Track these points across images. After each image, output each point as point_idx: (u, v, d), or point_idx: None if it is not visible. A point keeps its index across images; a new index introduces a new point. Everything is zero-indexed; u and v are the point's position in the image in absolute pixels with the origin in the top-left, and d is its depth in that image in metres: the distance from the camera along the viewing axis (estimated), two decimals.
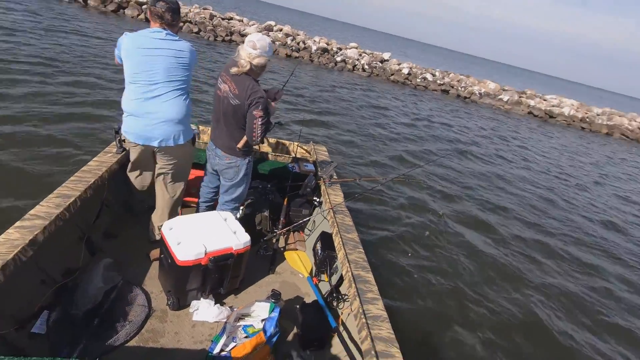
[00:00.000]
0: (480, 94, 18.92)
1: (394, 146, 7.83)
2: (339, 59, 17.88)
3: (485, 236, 4.95)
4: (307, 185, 2.82)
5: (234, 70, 2.12)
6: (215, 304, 2.23)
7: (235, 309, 2.14)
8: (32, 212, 1.87)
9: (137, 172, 2.52)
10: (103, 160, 2.48)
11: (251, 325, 2.10)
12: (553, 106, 19.49)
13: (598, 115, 19.98)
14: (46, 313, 1.90)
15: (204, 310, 2.18)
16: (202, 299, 2.22)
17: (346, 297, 2.24)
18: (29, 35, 8.62)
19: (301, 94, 10.32)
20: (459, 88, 19.00)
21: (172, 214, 2.57)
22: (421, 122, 10.78)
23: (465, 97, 18.72)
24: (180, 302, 2.16)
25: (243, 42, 2.19)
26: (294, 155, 3.47)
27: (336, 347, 2.09)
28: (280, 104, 8.47)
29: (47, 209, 1.90)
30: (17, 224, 1.77)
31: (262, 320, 2.09)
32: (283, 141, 3.65)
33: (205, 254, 2.04)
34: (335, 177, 3.14)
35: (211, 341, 1.98)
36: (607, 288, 4.46)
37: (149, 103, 2.12)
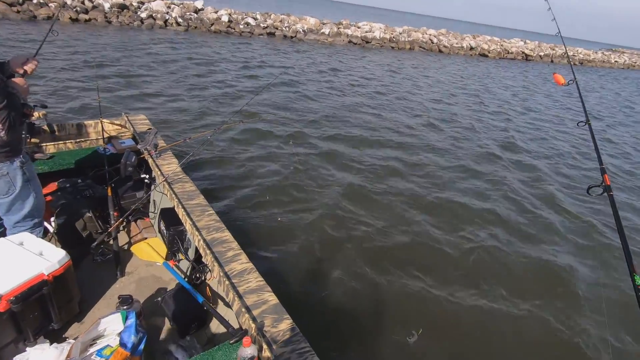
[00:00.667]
0: (303, 31, 19.01)
1: (229, 100, 7.45)
2: (143, 14, 15.15)
3: (335, 147, 5.36)
4: (127, 165, 2.35)
5: None
6: (51, 344, 1.75)
7: (77, 340, 1.72)
8: None
9: None
10: None
11: (107, 346, 1.73)
12: (366, 32, 21.67)
13: (400, 33, 23.24)
14: None
15: (38, 359, 1.69)
16: (28, 348, 1.71)
17: (207, 266, 2.06)
18: None
19: (104, 63, 8.51)
20: (283, 28, 18.94)
21: None
22: (252, 71, 10.41)
23: (292, 37, 18.54)
24: None
25: None
26: (105, 135, 2.84)
27: (214, 321, 1.95)
28: (78, 80, 6.87)
29: None
30: None
31: (119, 334, 1.75)
32: (86, 122, 2.93)
33: (0, 297, 1.52)
34: (163, 144, 2.73)
35: None
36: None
37: None
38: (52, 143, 2.64)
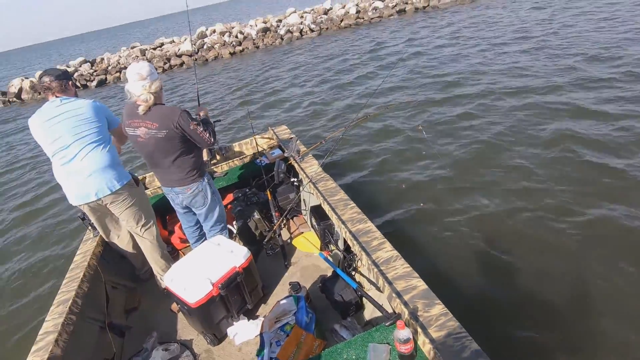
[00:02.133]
0: None
1: (358, 93, 7.59)
2: (282, 31, 16.54)
3: (470, 131, 4.78)
4: (279, 172, 2.76)
5: (141, 109, 2.02)
6: (249, 320, 2.26)
7: (264, 317, 2.16)
8: (41, 331, 1.88)
9: (111, 235, 2.54)
10: (85, 250, 2.48)
11: (287, 323, 2.12)
12: None
13: None
14: None
15: (242, 331, 2.21)
16: (234, 323, 2.25)
17: (356, 255, 2.24)
18: None
19: (254, 83, 9.99)
20: (414, 1, 17.12)
21: (163, 255, 2.57)
22: (378, 62, 9.54)
23: (425, 7, 16.82)
24: (217, 336, 2.19)
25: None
26: (259, 149, 3.39)
27: (368, 305, 2.11)
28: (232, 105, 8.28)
29: (53, 322, 1.91)
30: (33, 348, 1.78)
31: (294, 314, 2.11)
32: (243, 141, 3.57)
33: (213, 284, 2.04)
34: (304, 148, 3.07)
35: (256, 356, 2.01)
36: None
37: (70, 165, 2.18)
38: (224, 163, 3.32)
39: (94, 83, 15.37)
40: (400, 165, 4.41)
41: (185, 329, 2.35)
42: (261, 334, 2.03)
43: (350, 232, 2.02)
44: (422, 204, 3.60)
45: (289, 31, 16.58)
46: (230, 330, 2.22)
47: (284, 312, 2.13)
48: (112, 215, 2.44)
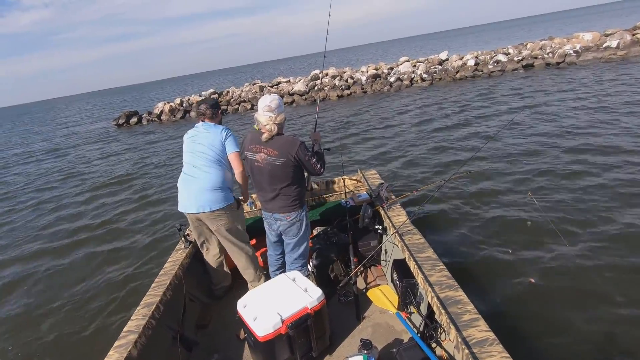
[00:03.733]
0: (575, 52, 15.19)
1: (460, 149, 7.18)
2: (392, 79, 16.64)
3: (595, 214, 3.94)
4: (364, 217, 2.67)
5: (264, 137, 2.23)
6: None
7: None
8: (125, 329, 2.03)
9: (203, 247, 2.77)
10: (175, 259, 2.68)
11: None
12: None
13: None
14: None
15: None
16: None
17: (441, 326, 1.96)
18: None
19: (354, 126, 10.24)
20: (545, 55, 15.71)
21: (256, 269, 2.77)
22: (489, 118, 8.72)
23: (558, 63, 15.13)
24: None
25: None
26: (346, 190, 3.38)
27: None
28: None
29: (136, 322, 2.06)
30: (116, 344, 1.93)
31: None
32: (332, 179, 3.60)
33: (283, 322, 1.98)
34: (393, 197, 2.95)
35: None
36: None
37: (190, 178, 2.52)
38: (310, 197, 3.37)
39: None
40: (502, 232, 3.86)
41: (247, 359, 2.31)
42: None
43: (437, 297, 1.79)
44: (531, 280, 3.06)
45: (399, 79, 16.66)
46: None
47: None
48: (208, 230, 2.67)
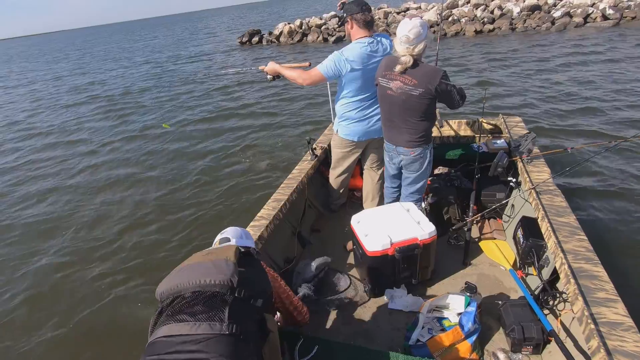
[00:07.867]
0: None
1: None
2: (557, 13, 13.15)
3: None
4: (498, 165, 2.44)
5: (398, 69, 2.08)
6: (408, 293, 2.25)
7: (428, 300, 2.09)
8: (258, 214, 2.43)
9: (339, 172, 2.88)
10: (302, 168, 2.97)
11: (447, 319, 2.00)
12: None
13: None
14: None
15: (398, 299, 2.23)
16: (395, 288, 2.29)
17: (564, 295, 1.79)
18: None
19: (487, 63, 8.91)
20: None
21: (379, 196, 2.85)
22: None
23: None
24: (375, 290, 2.29)
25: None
26: (480, 133, 3.09)
27: (555, 355, 1.70)
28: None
29: (267, 212, 2.44)
30: (251, 223, 2.34)
31: (458, 314, 1.95)
32: (465, 120, 3.31)
33: (391, 244, 2.09)
34: (537, 150, 2.59)
35: (406, 329, 2.00)
36: None
37: (370, 109, 2.49)
38: (438, 134, 3.19)
39: (333, 38, 16.78)
40: None
41: (351, 269, 2.57)
42: (419, 313, 2.00)
43: (569, 266, 1.62)
44: None
45: (567, 14, 12.99)
46: (388, 292, 2.28)
47: (449, 307, 2.01)
48: (356, 158, 2.78)
